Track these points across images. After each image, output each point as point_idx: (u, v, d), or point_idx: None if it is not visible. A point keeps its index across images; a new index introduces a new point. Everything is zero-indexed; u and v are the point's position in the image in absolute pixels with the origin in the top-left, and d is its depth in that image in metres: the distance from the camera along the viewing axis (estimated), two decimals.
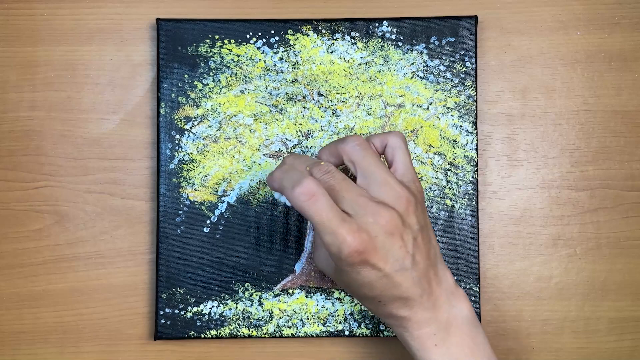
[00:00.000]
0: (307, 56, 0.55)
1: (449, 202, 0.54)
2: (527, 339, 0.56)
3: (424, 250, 0.44)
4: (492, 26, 0.56)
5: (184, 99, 0.55)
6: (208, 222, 0.55)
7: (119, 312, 0.56)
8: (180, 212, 0.54)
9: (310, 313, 0.54)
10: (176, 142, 0.55)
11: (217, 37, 0.55)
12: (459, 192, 0.54)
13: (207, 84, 0.55)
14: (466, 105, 0.55)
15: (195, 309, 0.54)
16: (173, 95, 0.55)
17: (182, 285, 0.54)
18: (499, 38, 0.56)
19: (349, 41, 0.55)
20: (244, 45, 0.55)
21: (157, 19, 0.55)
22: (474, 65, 0.55)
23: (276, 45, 0.55)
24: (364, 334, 0.54)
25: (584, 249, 0.56)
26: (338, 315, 0.54)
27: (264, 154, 0.55)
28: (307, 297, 0.54)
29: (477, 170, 0.54)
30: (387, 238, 0.42)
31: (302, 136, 0.55)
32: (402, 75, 0.55)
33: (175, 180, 0.55)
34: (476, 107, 0.55)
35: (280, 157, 0.55)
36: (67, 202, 0.56)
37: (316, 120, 0.55)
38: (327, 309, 0.54)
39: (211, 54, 0.55)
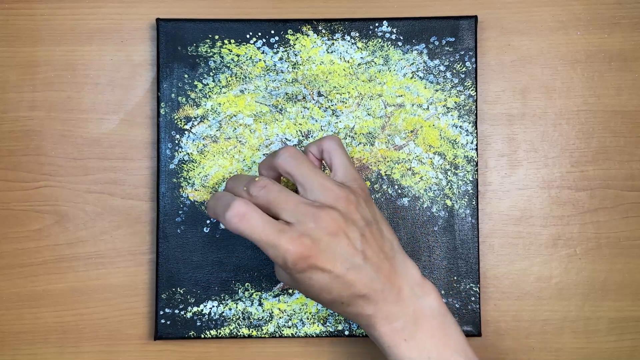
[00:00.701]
0: (307, 56, 0.55)
1: (449, 202, 0.54)
2: (527, 339, 0.56)
3: (376, 245, 0.44)
4: (492, 26, 0.56)
5: (184, 99, 0.55)
6: (208, 222, 0.55)
7: (119, 312, 0.56)
8: (180, 212, 0.55)
9: (310, 313, 0.54)
10: (176, 142, 0.55)
11: (217, 37, 0.55)
12: (459, 192, 0.54)
13: (207, 84, 0.55)
14: (466, 105, 0.55)
15: (195, 309, 0.54)
16: (173, 95, 0.55)
17: (182, 285, 0.54)
18: (499, 38, 0.56)
19: (349, 41, 0.55)
20: (244, 45, 0.55)
21: (157, 19, 0.55)
22: (474, 65, 0.55)
23: (276, 45, 0.55)
24: (364, 333, 0.54)
25: (584, 249, 0.56)
26: (338, 315, 0.54)
27: (264, 154, 0.55)
28: (307, 297, 0.54)
29: (477, 170, 0.54)
30: (331, 239, 0.42)
31: (302, 136, 0.55)
32: (402, 75, 0.55)
33: (175, 180, 0.55)
34: (476, 107, 0.55)
35: None
36: (67, 202, 0.56)
37: (316, 120, 0.55)
38: (327, 309, 0.54)
39: (211, 54, 0.55)
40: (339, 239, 0.42)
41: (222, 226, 0.55)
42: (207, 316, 0.54)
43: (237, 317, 0.54)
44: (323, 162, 0.48)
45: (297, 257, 0.41)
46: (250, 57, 0.55)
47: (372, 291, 0.43)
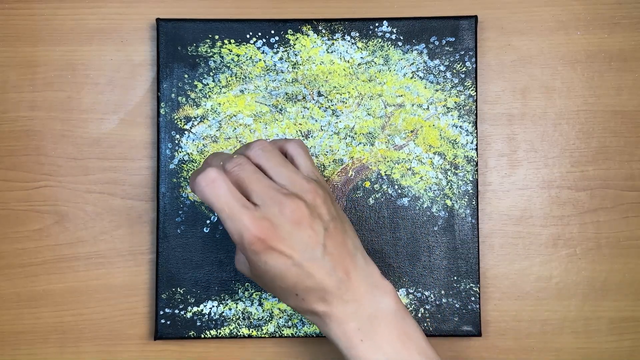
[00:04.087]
0: (307, 56, 0.55)
1: (449, 202, 0.54)
2: (527, 339, 0.56)
3: (338, 240, 0.43)
4: (492, 26, 0.56)
5: (184, 99, 0.55)
6: (208, 222, 0.55)
7: (119, 312, 0.56)
8: (180, 212, 0.55)
9: None
10: (176, 142, 0.55)
11: (217, 37, 0.55)
12: (459, 192, 0.54)
13: (207, 84, 0.55)
14: (466, 105, 0.55)
15: (195, 309, 0.54)
16: (173, 95, 0.55)
17: (182, 285, 0.54)
18: (499, 38, 0.56)
19: (349, 41, 0.55)
20: (244, 45, 0.55)
21: (157, 19, 0.55)
22: (474, 65, 0.55)
23: (276, 45, 0.55)
24: None
25: (584, 249, 0.56)
26: None
27: None
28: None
29: (477, 170, 0.54)
30: (294, 227, 0.42)
31: (302, 136, 0.55)
32: (402, 75, 0.55)
33: (175, 180, 0.55)
34: (476, 107, 0.55)
35: None
36: (67, 202, 0.56)
37: (316, 120, 0.55)
38: None
39: (211, 54, 0.55)
40: (302, 228, 0.42)
41: (221, 226, 0.55)
42: (207, 316, 0.54)
43: (237, 317, 0.54)
44: None
45: (255, 238, 0.41)
46: (250, 57, 0.55)
47: (329, 286, 0.43)
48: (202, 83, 0.55)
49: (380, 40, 0.55)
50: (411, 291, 0.54)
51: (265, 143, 0.45)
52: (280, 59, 0.55)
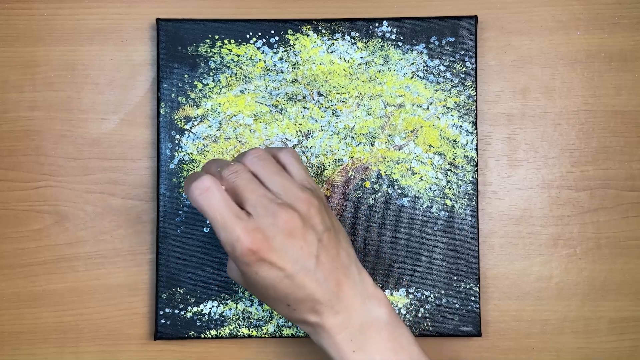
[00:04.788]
0: (307, 56, 0.55)
1: (449, 202, 0.54)
2: (527, 339, 0.56)
3: (331, 252, 0.43)
4: (492, 26, 0.56)
5: (184, 99, 0.55)
6: (208, 222, 0.55)
7: (119, 312, 0.56)
8: (180, 212, 0.55)
9: None
10: (176, 142, 0.55)
11: (217, 37, 0.55)
12: (459, 192, 0.54)
13: (207, 84, 0.55)
14: (466, 105, 0.55)
15: (195, 309, 0.54)
16: (173, 95, 0.55)
17: (182, 285, 0.54)
18: (499, 38, 0.56)
19: (349, 41, 0.55)
20: (244, 45, 0.55)
21: (157, 19, 0.55)
22: (474, 65, 0.55)
23: (276, 45, 0.55)
24: None
25: (584, 249, 0.56)
26: None
27: None
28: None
29: (477, 170, 0.54)
30: (286, 239, 0.41)
31: (302, 136, 0.55)
32: (402, 75, 0.55)
33: (175, 180, 0.55)
34: (476, 107, 0.55)
35: None
36: (67, 202, 0.56)
37: (316, 120, 0.55)
38: None
39: (211, 54, 0.55)
40: (294, 240, 0.42)
41: None
42: (207, 316, 0.54)
43: (237, 317, 0.54)
44: None
45: (247, 250, 0.41)
46: (250, 57, 0.55)
47: (320, 297, 0.42)
48: (202, 83, 0.55)
49: (380, 40, 0.55)
50: (411, 291, 0.54)
51: (261, 151, 0.45)
52: (280, 59, 0.55)
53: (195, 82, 0.55)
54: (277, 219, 0.41)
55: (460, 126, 0.55)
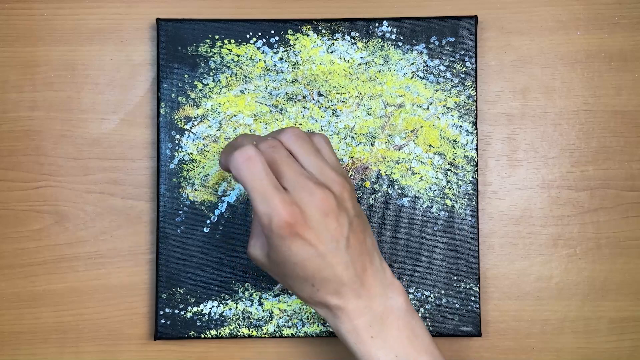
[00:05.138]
0: (307, 56, 0.55)
1: (449, 202, 0.54)
2: (527, 339, 0.56)
3: (360, 236, 0.44)
4: (492, 26, 0.56)
5: (184, 99, 0.55)
6: (208, 222, 0.55)
7: (119, 312, 0.56)
8: (180, 212, 0.55)
9: (310, 313, 0.54)
10: (176, 142, 0.55)
11: (217, 37, 0.55)
12: (459, 192, 0.54)
13: (207, 84, 0.55)
14: (466, 105, 0.55)
15: (195, 309, 0.54)
16: (173, 95, 0.55)
17: (182, 285, 0.54)
18: (499, 38, 0.56)
19: (349, 41, 0.55)
20: (244, 45, 0.55)
21: (157, 19, 0.55)
22: (474, 65, 0.55)
23: (276, 45, 0.55)
24: None
25: (584, 249, 0.56)
26: None
27: None
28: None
29: (477, 170, 0.54)
30: (322, 217, 0.41)
31: None
32: (402, 75, 0.55)
33: (175, 180, 0.55)
34: (476, 107, 0.55)
35: None
36: (67, 202, 0.56)
37: (316, 120, 0.55)
38: None
39: (211, 54, 0.55)
40: (329, 219, 0.42)
41: (221, 226, 0.55)
42: (207, 316, 0.54)
43: (237, 317, 0.54)
44: None
45: (284, 222, 0.40)
46: (250, 57, 0.55)
47: (345, 278, 0.43)
48: (202, 83, 0.55)
49: (380, 40, 0.55)
50: (411, 291, 0.54)
51: (298, 130, 0.45)
52: (280, 59, 0.55)
53: (196, 82, 0.55)
54: (313, 197, 0.41)
55: (460, 126, 0.55)
